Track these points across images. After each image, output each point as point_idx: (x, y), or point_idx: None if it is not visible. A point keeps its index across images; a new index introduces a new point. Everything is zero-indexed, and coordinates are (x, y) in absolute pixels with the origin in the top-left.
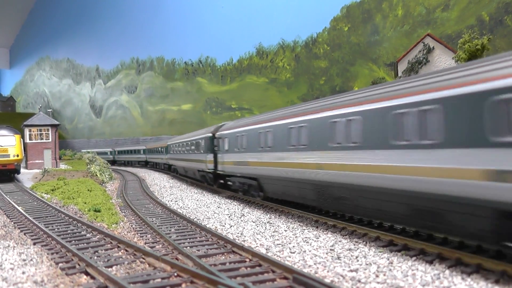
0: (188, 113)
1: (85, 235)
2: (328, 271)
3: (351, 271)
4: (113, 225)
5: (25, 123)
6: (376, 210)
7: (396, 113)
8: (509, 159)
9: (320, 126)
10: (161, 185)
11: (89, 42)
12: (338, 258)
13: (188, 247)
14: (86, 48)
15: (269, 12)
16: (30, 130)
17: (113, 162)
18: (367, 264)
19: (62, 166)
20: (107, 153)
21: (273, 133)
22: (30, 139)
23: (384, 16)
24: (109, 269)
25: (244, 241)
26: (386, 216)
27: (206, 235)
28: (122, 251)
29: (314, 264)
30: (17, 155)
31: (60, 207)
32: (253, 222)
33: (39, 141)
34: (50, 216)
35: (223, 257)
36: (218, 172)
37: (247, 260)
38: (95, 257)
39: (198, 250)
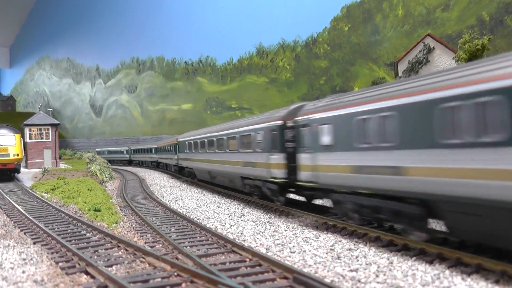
0: (188, 112)
1: (85, 234)
2: (328, 271)
3: (351, 271)
4: (113, 225)
5: (25, 122)
6: None
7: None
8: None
9: None
10: (161, 184)
11: (89, 41)
12: (338, 258)
13: (188, 247)
14: (86, 48)
15: (270, 12)
16: (30, 130)
17: (129, 162)
18: (367, 264)
19: (62, 165)
20: (123, 152)
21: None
22: (30, 138)
23: (385, 16)
24: (109, 268)
25: (244, 240)
26: None
27: (206, 235)
28: (122, 250)
29: (314, 264)
30: (17, 155)
31: (60, 206)
32: (253, 222)
33: (39, 140)
34: (50, 216)
35: (223, 257)
36: (299, 183)
37: (247, 259)
38: (95, 257)
39: (198, 250)
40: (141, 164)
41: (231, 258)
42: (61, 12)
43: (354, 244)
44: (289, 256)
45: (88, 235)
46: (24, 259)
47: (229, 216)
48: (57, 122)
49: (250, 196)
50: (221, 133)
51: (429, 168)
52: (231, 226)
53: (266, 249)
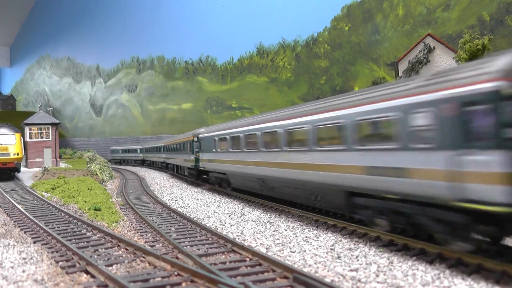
0: (188, 112)
1: (85, 233)
2: (328, 271)
3: (351, 270)
4: (113, 224)
5: (25, 121)
6: None
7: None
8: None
9: None
10: (161, 184)
11: (90, 41)
12: (338, 257)
13: (188, 246)
14: (87, 47)
15: (270, 12)
16: (30, 129)
17: (142, 162)
18: (367, 264)
19: (62, 164)
20: (137, 150)
21: None
22: (30, 137)
23: (385, 16)
24: (109, 268)
25: (244, 240)
26: None
27: (206, 234)
28: (122, 250)
29: (314, 263)
30: (17, 154)
31: (60, 205)
32: (253, 222)
33: (39, 139)
34: (50, 215)
35: (223, 256)
36: None
37: (247, 259)
38: (95, 256)
39: (198, 249)
40: (152, 164)
41: (231, 257)
42: (61, 11)
43: (354, 244)
44: (289, 256)
45: (88, 234)
46: (24, 258)
47: (229, 216)
48: (57, 121)
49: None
50: (298, 120)
51: None
52: (231, 225)
53: (266, 248)
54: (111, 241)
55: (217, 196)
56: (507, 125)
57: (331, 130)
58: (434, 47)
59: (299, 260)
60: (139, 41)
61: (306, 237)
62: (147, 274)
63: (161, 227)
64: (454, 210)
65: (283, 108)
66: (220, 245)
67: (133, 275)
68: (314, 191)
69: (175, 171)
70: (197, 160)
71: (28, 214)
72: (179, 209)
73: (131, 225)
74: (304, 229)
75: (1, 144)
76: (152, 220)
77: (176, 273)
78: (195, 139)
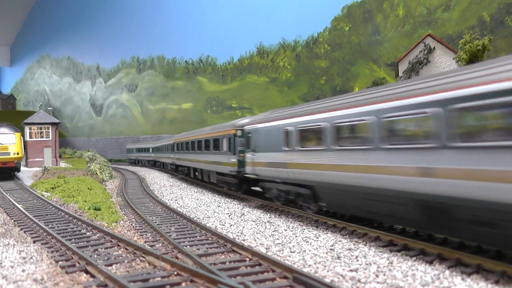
0: (188, 112)
1: (85, 233)
2: (328, 271)
3: (351, 270)
4: (113, 224)
5: (25, 121)
6: None
7: None
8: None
9: None
10: (161, 184)
11: (90, 40)
12: (338, 257)
13: (188, 246)
14: (87, 47)
15: (270, 12)
16: (30, 128)
17: (154, 163)
18: (367, 264)
19: (62, 164)
20: (149, 150)
21: None
22: (31, 137)
23: (385, 16)
24: (109, 267)
25: (244, 240)
26: None
27: (206, 234)
28: (122, 249)
29: (314, 263)
30: (17, 153)
31: (60, 205)
32: (253, 222)
33: (39, 139)
34: (50, 214)
35: (223, 256)
36: None
37: (247, 259)
38: (95, 256)
39: (198, 249)
40: (162, 166)
41: (231, 257)
42: (61, 11)
43: (354, 244)
44: (289, 256)
45: (88, 234)
46: (24, 258)
47: (229, 216)
48: (57, 121)
49: None
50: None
51: None
52: (231, 225)
53: (266, 248)
54: (111, 241)
55: (217, 196)
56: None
57: None
58: (434, 47)
59: (299, 260)
60: (139, 41)
61: (306, 237)
62: (146, 274)
63: (161, 227)
64: None
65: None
66: (220, 245)
67: (132, 275)
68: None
69: (189, 175)
70: (241, 163)
71: (28, 214)
72: (179, 209)
73: (131, 224)
74: (304, 229)
75: (1, 144)
76: (152, 220)
77: (175, 273)
78: (239, 132)
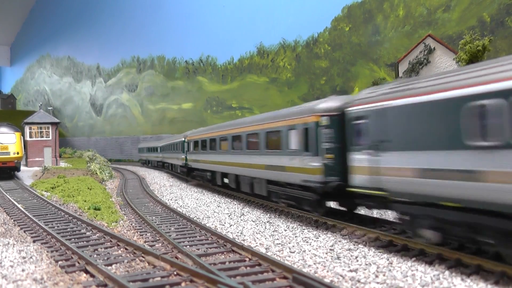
0: (188, 112)
1: (85, 233)
2: (327, 271)
3: (351, 271)
4: (113, 224)
5: (25, 120)
6: None
7: None
8: None
9: None
10: (161, 183)
11: (90, 40)
12: (338, 258)
13: (188, 246)
14: (87, 46)
15: (270, 12)
16: (30, 128)
17: (162, 164)
18: (366, 264)
19: (62, 164)
20: (157, 149)
21: None
22: (31, 136)
23: (385, 17)
24: (109, 267)
25: (243, 240)
26: None
27: (206, 234)
28: (121, 249)
29: (314, 264)
30: (17, 153)
31: (60, 205)
32: (253, 222)
33: (39, 139)
34: (50, 214)
35: (223, 256)
36: None
37: (247, 259)
38: (95, 255)
39: (198, 249)
40: (170, 168)
41: (231, 257)
42: (61, 10)
43: (354, 244)
44: (289, 256)
45: (87, 233)
46: (23, 257)
47: (229, 216)
48: (57, 120)
49: None
50: None
51: None
52: (231, 225)
53: (266, 248)
54: (111, 241)
55: (216, 196)
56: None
57: None
58: (434, 48)
59: (299, 260)
60: (140, 41)
61: (305, 237)
62: (146, 273)
63: (160, 226)
64: None
65: None
66: (220, 245)
67: (132, 275)
68: None
69: (213, 182)
70: (329, 168)
71: (27, 213)
72: (178, 209)
73: (131, 224)
74: (304, 229)
75: (1, 143)
76: (152, 220)
77: (175, 272)
78: (324, 120)
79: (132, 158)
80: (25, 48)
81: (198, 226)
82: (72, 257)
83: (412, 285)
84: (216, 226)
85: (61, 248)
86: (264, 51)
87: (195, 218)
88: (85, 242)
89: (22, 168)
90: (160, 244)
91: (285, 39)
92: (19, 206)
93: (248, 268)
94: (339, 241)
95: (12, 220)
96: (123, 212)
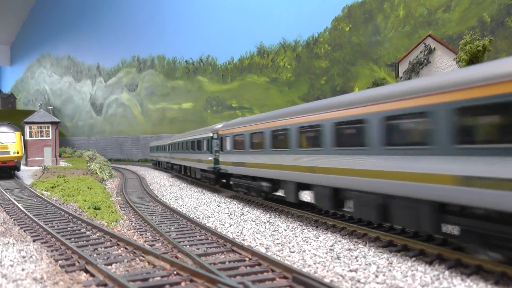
0: (188, 111)
1: (85, 232)
2: (327, 271)
3: (351, 271)
4: (112, 223)
5: (25, 120)
6: None
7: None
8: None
9: None
10: (161, 183)
11: (90, 39)
12: (338, 258)
13: (188, 246)
14: (87, 46)
15: (271, 12)
16: (30, 127)
17: (171, 167)
18: (366, 264)
19: (62, 163)
20: (165, 148)
21: None
22: (31, 136)
23: (386, 17)
24: (109, 267)
25: (243, 240)
26: None
27: (206, 234)
28: (121, 249)
29: (314, 263)
30: (17, 152)
31: (60, 204)
32: (253, 221)
33: (39, 138)
34: (50, 214)
35: (223, 256)
36: None
37: (247, 259)
38: (95, 255)
39: (198, 249)
40: (181, 171)
41: (231, 257)
42: (61, 10)
43: (354, 244)
44: (289, 256)
45: (87, 233)
46: (23, 257)
47: (229, 216)
48: (57, 120)
49: None
50: None
51: None
52: (231, 225)
53: (266, 248)
54: (111, 240)
55: (216, 196)
56: None
57: None
58: (434, 48)
59: (299, 260)
60: (140, 41)
61: (305, 237)
62: (146, 273)
63: (160, 226)
64: None
65: None
66: (220, 245)
67: (132, 274)
68: None
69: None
70: None
71: (27, 213)
72: (178, 209)
73: (131, 224)
74: (304, 229)
75: (1, 143)
76: (152, 220)
77: (175, 272)
78: None
79: (132, 158)
80: (25, 47)
81: (198, 225)
82: (72, 257)
83: (412, 285)
84: (216, 226)
85: (61, 248)
86: (264, 51)
87: (195, 218)
88: (85, 242)
89: (22, 167)
90: (160, 244)
91: (285, 39)
92: (19, 205)
93: (248, 268)
94: (339, 241)
95: (12, 220)
96: (123, 211)
